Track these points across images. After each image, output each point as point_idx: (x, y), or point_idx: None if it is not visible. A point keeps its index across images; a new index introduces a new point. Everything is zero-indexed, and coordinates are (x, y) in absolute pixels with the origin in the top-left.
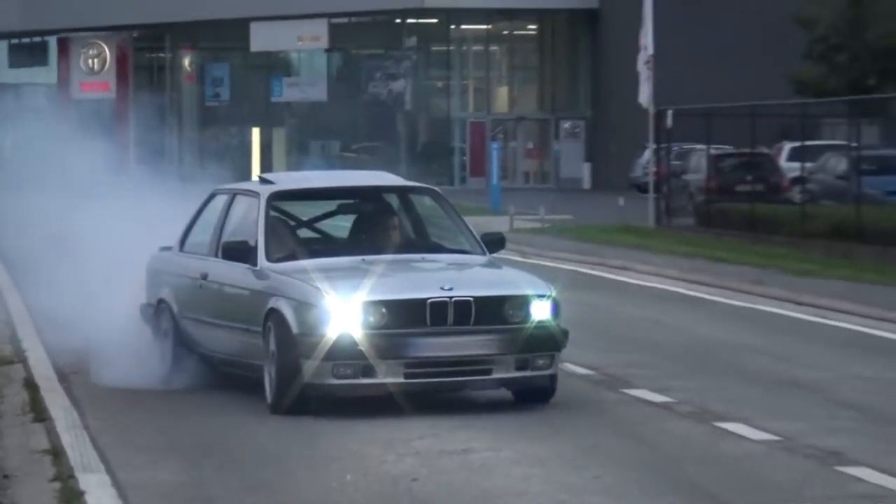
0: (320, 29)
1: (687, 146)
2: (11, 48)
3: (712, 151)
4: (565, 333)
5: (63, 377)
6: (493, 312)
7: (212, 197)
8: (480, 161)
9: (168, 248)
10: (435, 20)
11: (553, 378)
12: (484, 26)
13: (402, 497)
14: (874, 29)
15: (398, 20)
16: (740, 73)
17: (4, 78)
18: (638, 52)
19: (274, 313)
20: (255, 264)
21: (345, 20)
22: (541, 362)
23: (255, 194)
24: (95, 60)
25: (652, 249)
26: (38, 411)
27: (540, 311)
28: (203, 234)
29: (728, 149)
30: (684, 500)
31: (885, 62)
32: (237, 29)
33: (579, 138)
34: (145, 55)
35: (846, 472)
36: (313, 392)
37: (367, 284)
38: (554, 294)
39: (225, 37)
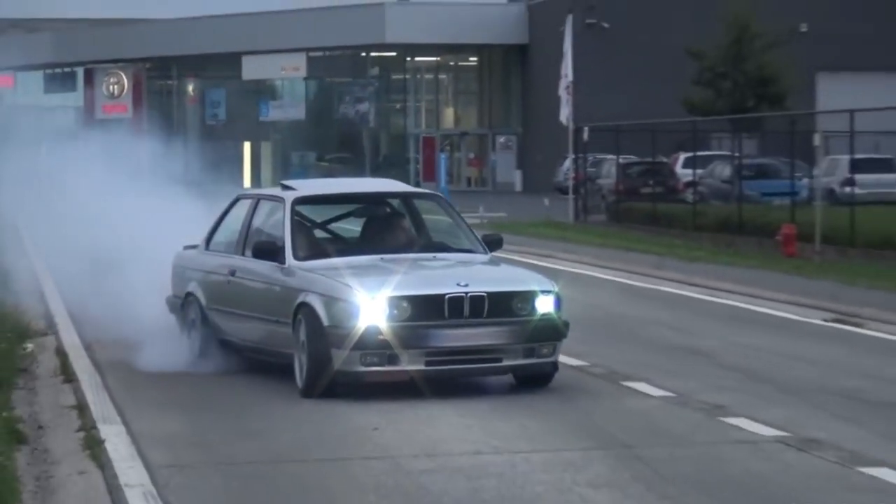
0: (300, 61)
1: (600, 156)
2: (46, 77)
3: (620, 160)
4: (566, 324)
5: (87, 346)
6: (503, 306)
7: (236, 201)
8: (431, 168)
9: (192, 247)
10: (394, 53)
11: (555, 364)
12: (434, 58)
13: (365, 442)
14: (751, 61)
15: (363, 53)
16: (643, 96)
17: (40, 101)
18: (559, 79)
19: (304, 307)
20: (283, 262)
21: (320, 53)
22: (545, 350)
23: (280, 199)
24: (115, 87)
25: (571, 240)
26: (67, 374)
27: (544, 305)
28: (225, 235)
29: (633, 158)
30: (596, 444)
31: (760, 88)
32: (231, 61)
33: (512, 150)
34: (156, 82)
35: (728, 422)
36: (343, 378)
37: (392, 281)
38: (557, 289)
39: (222, 67)
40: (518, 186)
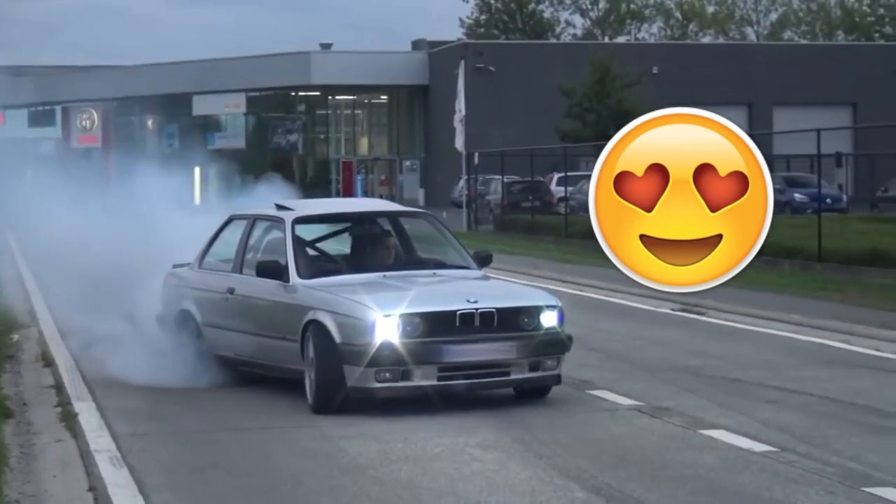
0: (240, 99)
1: (488, 176)
2: (29, 114)
3: (505, 180)
4: (570, 338)
5: (64, 336)
6: (511, 321)
7: (229, 221)
8: (349, 188)
9: (181, 266)
10: (318, 93)
11: (558, 377)
12: (351, 97)
13: (299, 414)
14: (612, 97)
15: (293, 93)
16: (524, 126)
17: (25, 134)
18: (454, 113)
19: (314, 325)
20: (287, 281)
21: (257, 93)
22: (549, 363)
23: (279, 219)
24: (87, 122)
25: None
26: (47, 359)
27: (549, 320)
28: (218, 254)
29: (516, 178)
30: (484, 414)
31: (619, 119)
32: (184, 100)
33: (416, 172)
34: (122, 118)
35: (593, 394)
36: (357, 395)
37: (404, 298)
38: (560, 304)
39: (175, 105)
40: (421, 202)
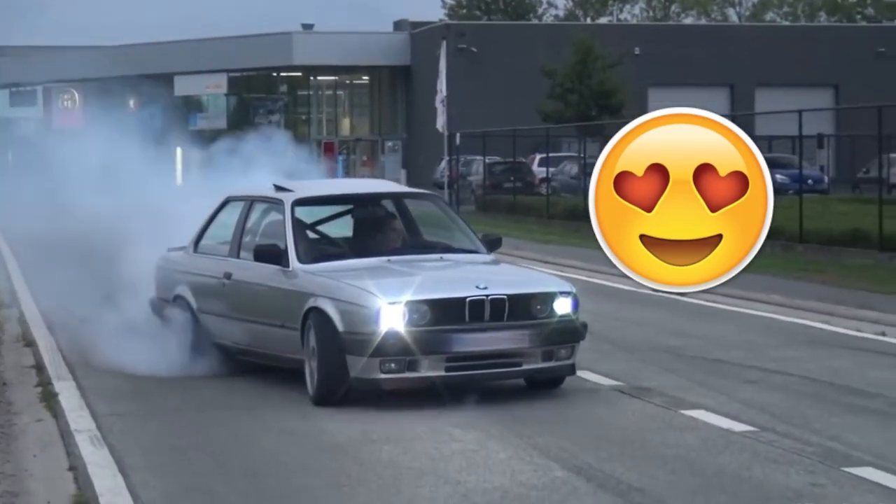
0: (222, 80)
1: (470, 157)
2: (11, 94)
3: (487, 161)
4: (584, 326)
5: (45, 316)
6: (523, 309)
7: (225, 203)
8: (332, 169)
9: (177, 249)
10: (300, 73)
11: (573, 367)
12: (333, 77)
13: (276, 394)
14: (594, 78)
15: (275, 73)
16: (505, 107)
17: (6, 114)
18: (436, 94)
19: (315, 312)
20: (286, 266)
21: (238, 74)
22: (563, 352)
23: (277, 201)
24: (69, 102)
25: None
26: (27, 339)
27: (563, 307)
28: (215, 237)
29: (497, 159)
30: (465, 395)
31: (601, 100)
32: (166, 80)
33: (398, 153)
34: (104, 98)
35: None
36: (361, 386)
37: (410, 285)
38: (574, 291)
39: (157, 86)
40: (403, 183)
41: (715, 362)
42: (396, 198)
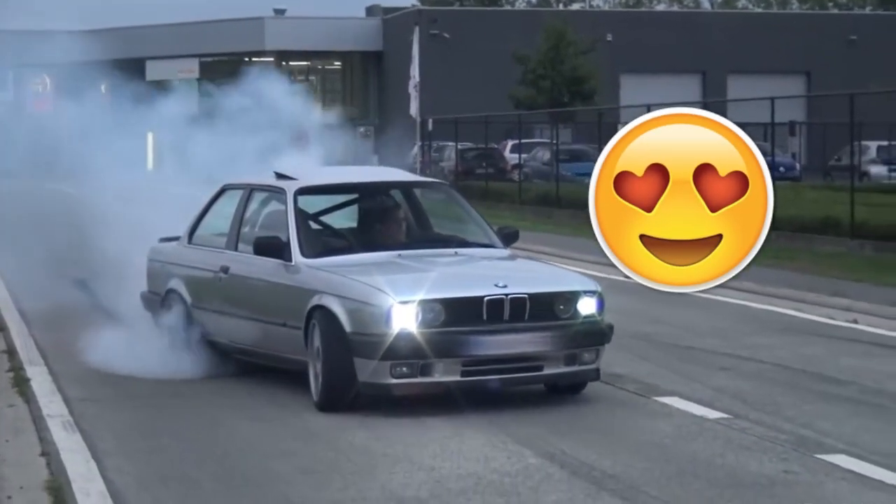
0: (193, 65)
1: (442, 143)
2: None
3: (459, 146)
4: (610, 328)
5: (17, 301)
6: (545, 309)
7: (222, 191)
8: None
9: (169, 240)
10: (272, 59)
11: (597, 371)
12: (305, 63)
13: (250, 380)
14: (566, 64)
15: (246, 59)
16: (477, 93)
17: None
18: (408, 79)
19: (320, 310)
20: (289, 260)
21: (210, 59)
22: (587, 356)
23: (279, 190)
24: (40, 87)
25: None
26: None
27: (587, 307)
28: (210, 228)
29: (470, 145)
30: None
31: (573, 87)
32: (137, 65)
33: (370, 138)
34: (75, 83)
35: None
36: (370, 391)
37: (424, 282)
38: (600, 290)
39: (128, 71)
40: None
41: (688, 349)
42: (406, 187)
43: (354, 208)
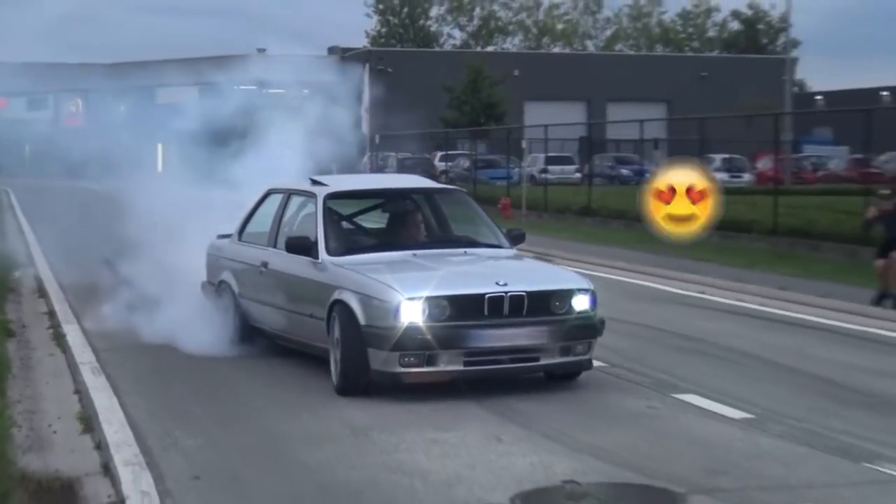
0: (195, 91)
1: (386, 153)
2: (28, 100)
3: (399, 156)
4: (602, 322)
5: (56, 274)
6: (542, 305)
7: (267, 195)
8: None
9: (225, 236)
10: (254, 87)
11: (590, 362)
12: (280, 91)
13: (260, 345)
14: (483, 93)
15: (234, 87)
16: (414, 115)
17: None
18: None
19: (340, 304)
20: (316, 257)
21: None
22: (580, 348)
23: (311, 195)
24: (74, 107)
25: None
26: (42, 291)
27: (581, 303)
28: (257, 227)
29: (408, 154)
30: None
31: (488, 110)
32: (149, 92)
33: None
34: (101, 105)
35: None
36: (381, 379)
37: (431, 280)
38: (593, 288)
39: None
40: (335, 173)
41: None
42: (426, 193)
43: (386, 212)
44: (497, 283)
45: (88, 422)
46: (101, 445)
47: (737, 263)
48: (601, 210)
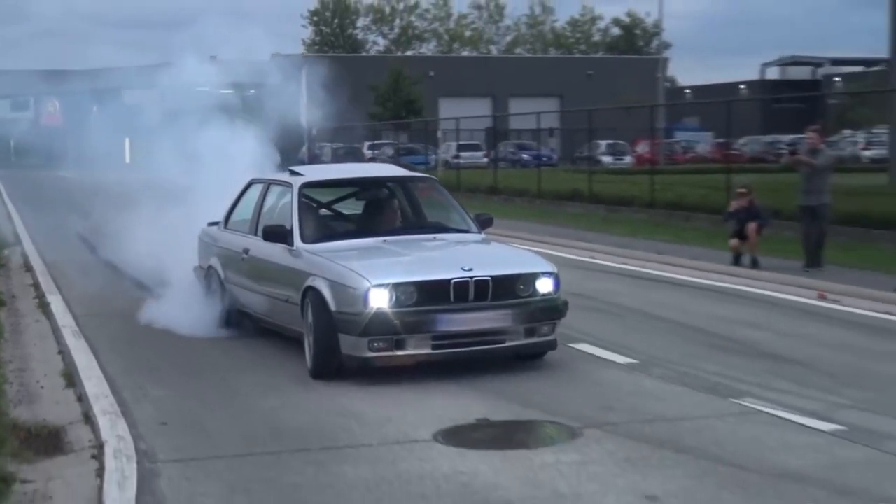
0: (157, 93)
1: (323, 144)
2: (11, 102)
3: (333, 146)
4: (565, 304)
5: (39, 251)
6: (506, 289)
7: (249, 185)
8: None
9: (215, 224)
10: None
11: (554, 342)
12: (230, 91)
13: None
14: (404, 91)
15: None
16: (347, 111)
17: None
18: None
19: (312, 291)
20: (291, 245)
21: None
22: (545, 329)
23: (288, 184)
24: (52, 108)
25: None
26: (28, 266)
27: (545, 286)
28: (240, 215)
29: (341, 144)
30: None
31: (408, 106)
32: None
33: (273, 140)
34: (78, 105)
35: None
36: (351, 363)
37: (398, 267)
38: (556, 271)
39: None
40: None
41: None
42: (399, 181)
43: (359, 200)
44: (462, 269)
45: (70, 378)
46: (81, 398)
47: (621, 232)
48: (506, 189)
